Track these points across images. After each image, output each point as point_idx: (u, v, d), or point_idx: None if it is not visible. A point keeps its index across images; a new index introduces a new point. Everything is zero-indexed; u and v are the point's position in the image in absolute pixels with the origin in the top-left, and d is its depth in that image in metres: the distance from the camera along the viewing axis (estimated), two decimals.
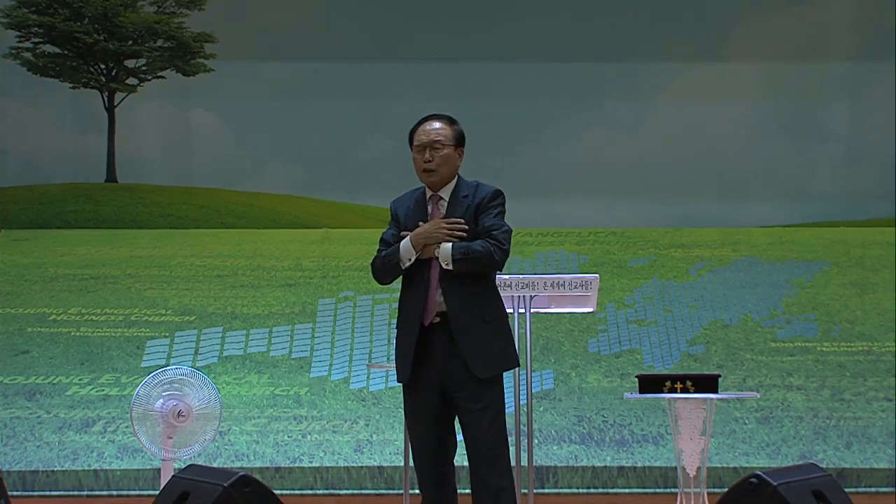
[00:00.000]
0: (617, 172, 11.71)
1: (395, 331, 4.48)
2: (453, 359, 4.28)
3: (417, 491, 4.50)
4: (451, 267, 4.26)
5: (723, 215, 11.52)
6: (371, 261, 4.47)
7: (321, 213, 12.09)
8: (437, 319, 4.30)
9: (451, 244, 4.27)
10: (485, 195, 4.39)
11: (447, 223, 4.30)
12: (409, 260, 4.32)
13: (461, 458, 4.38)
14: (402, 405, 4.47)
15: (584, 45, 11.71)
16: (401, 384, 4.43)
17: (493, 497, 4.24)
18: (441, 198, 4.43)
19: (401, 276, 4.44)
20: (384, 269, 4.40)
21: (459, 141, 4.44)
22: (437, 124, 4.41)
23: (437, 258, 4.30)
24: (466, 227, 4.30)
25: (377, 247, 4.49)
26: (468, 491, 4.39)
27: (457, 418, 4.39)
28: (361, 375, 9.17)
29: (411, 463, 4.55)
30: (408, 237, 4.33)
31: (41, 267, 10.54)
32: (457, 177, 4.47)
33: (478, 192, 4.40)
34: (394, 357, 4.46)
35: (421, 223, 4.35)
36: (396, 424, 8.58)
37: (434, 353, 4.30)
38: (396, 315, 4.48)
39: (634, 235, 11.04)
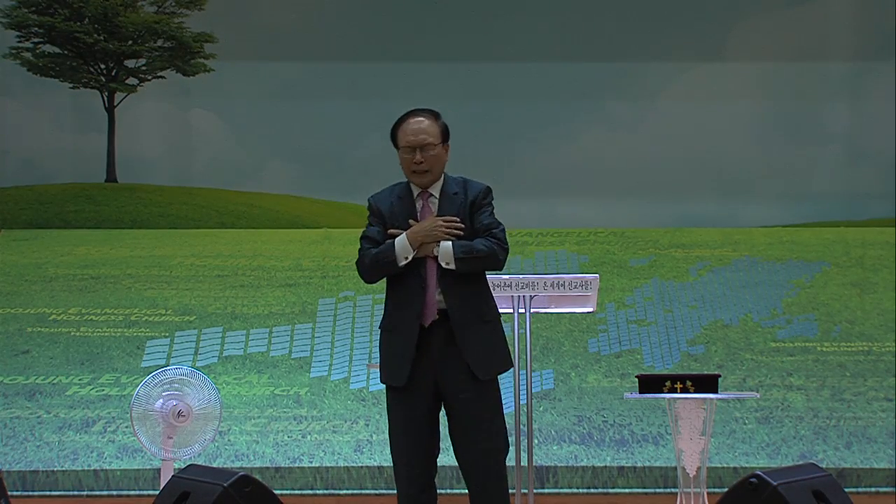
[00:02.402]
0: (617, 172, 11.71)
1: (381, 332, 4.35)
2: (452, 359, 4.20)
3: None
4: (452, 266, 4.20)
5: (723, 215, 11.52)
6: (357, 259, 4.34)
7: (321, 213, 12.09)
8: (436, 317, 4.22)
9: (450, 243, 4.21)
10: (478, 192, 4.32)
11: (444, 221, 4.23)
12: (406, 258, 4.22)
13: (449, 459, 4.36)
14: (389, 413, 4.31)
15: (584, 45, 11.71)
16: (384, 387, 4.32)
17: (491, 496, 4.21)
18: (431, 194, 4.33)
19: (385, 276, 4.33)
20: (375, 267, 4.28)
21: (446, 136, 4.34)
22: (423, 122, 4.29)
23: (433, 257, 4.22)
24: (463, 225, 4.24)
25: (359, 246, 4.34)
26: (448, 492, 4.37)
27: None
28: (361, 375, 9.17)
29: None
30: (403, 235, 4.23)
31: (41, 267, 10.54)
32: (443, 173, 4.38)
33: (468, 189, 4.32)
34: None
35: (411, 221, 4.27)
36: None
37: (430, 353, 4.22)
38: (384, 315, 4.36)
39: (634, 235, 11.04)
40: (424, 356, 4.23)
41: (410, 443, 4.23)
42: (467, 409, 4.22)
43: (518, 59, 11.64)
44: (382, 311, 4.42)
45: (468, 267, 4.23)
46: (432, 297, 4.23)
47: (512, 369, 4.43)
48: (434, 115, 4.34)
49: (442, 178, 4.37)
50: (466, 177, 4.39)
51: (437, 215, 4.28)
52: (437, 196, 4.33)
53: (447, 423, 4.30)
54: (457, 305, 4.22)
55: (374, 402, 8.91)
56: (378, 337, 4.41)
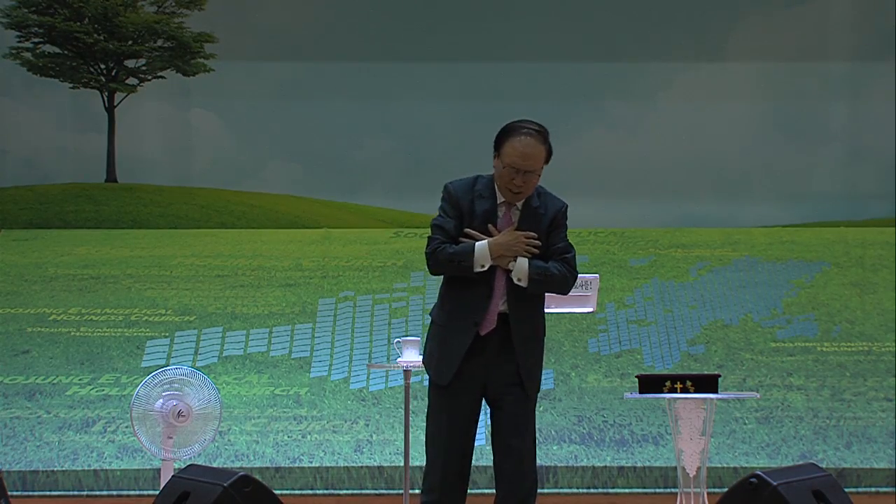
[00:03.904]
0: (617, 172, 11.71)
1: (434, 326, 4.34)
2: (504, 365, 4.22)
3: (418, 491, 4.45)
4: (523, 284, 4.20)
5: (723, 215, 11.52)
6: (428, 248, 4.27)
7: (321, 213, 12.09)
8: (494, 325, 4.22)
9: (527, 261, 4.21)
10: (558, 210, 4.33)
11: (526, 238, 4.23)
12: (482, 267, 4.19)
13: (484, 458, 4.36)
14: (431, 406, 4.30)
15: (584, 45, 11.71)
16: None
17: (525, 496, 4.22)
18: (514, 205, 4.30)
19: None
20: (449, 266, 4.23)
21: (549, 159, 4.35)
22: (534, 147, 4.26)
23: (504, 269, 4.21)
24: (540, 242, 4.24)
25: (430, 233, 4.28)
26: (477, 491, 4.36)
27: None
28: (361, 375, 9.17)
29: (412, 463, 4.51)
30: (485, 243, 4.20)
31: (41, 267, 10.54)
32: None
33: (549, 205, 4.33)
34: (393, 355, 4.35)
35: (491, 227, 4.24)
36: (396, 424, 8.58)
37: (483, 355, 4.22)
38: (439, 308, 4.32)
39: (634, 235, 11.04)
40: (475, 359, 4.22)
41: (451, 442, 4.23)
42: (513, 411, 4.23)
43: (518, 59, 11.64)
44: (437, 297, 4.37)
45: (539, 288, 4.25)
46: (495, 309, 4.23)
47: None
48: (543, 137, 4.32)
49: None
50: (546, 188, 4.38)
51: (517, 229, 4.26)
52: (520, 207, 4.30)
53: (489, 421, 4.30)
54: (520, 320, 4.24)
55: (374, 402, 8.91)
56: (427, 329, 4.38)
